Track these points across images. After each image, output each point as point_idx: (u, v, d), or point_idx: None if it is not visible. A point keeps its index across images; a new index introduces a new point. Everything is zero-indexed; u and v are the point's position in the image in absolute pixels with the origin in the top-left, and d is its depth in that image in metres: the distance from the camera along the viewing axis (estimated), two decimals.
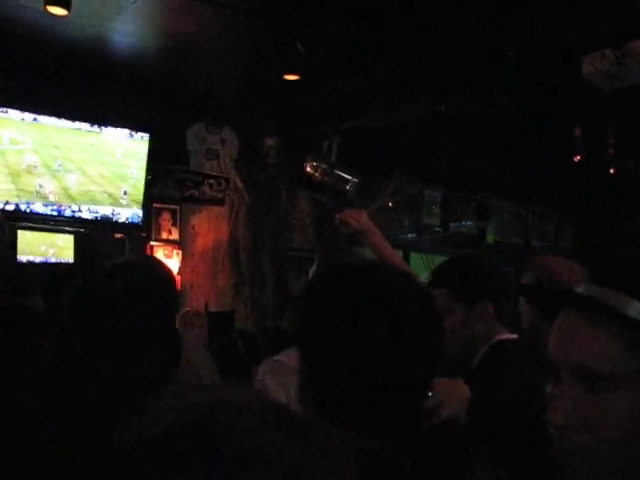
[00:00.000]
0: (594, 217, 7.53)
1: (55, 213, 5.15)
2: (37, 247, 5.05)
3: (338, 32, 4.08)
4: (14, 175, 5.00)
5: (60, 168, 5.21)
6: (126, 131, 5.43)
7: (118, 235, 5.47)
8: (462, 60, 4.44)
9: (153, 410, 0.54)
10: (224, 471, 0.49)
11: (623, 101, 4.71)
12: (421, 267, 8.35)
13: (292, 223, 6.53)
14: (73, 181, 5.28)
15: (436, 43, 4.20)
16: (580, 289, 0.97)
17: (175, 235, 5.88)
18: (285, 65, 4.59)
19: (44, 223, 5.11)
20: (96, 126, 5.32)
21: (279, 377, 2.12)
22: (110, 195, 5.44)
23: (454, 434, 1.41)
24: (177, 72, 5.07)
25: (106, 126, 5.34)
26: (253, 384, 2.29)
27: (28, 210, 5.01)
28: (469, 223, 8.10)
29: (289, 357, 2.06)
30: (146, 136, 5.50)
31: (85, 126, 5.28)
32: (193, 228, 6.04)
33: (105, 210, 5.40)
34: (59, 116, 5.12)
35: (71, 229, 5.24)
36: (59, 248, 5.18)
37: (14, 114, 4.95)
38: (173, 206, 5.90)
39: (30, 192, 5.06)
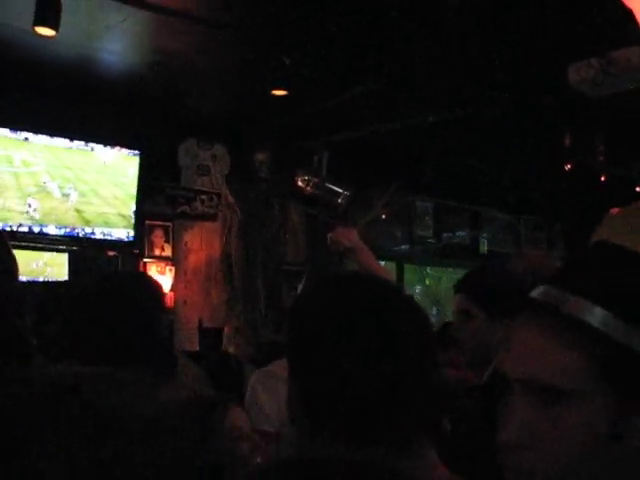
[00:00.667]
0: (586, 225, 7.54)
1: (62, 233, 5.19)
2: (28, 266, 5.03)
3: (325, 46, 4.11)
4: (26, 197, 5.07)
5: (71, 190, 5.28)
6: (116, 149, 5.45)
7: (111, 253, 5.46)
8: (449, 72, 4.47)
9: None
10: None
11: (611, 108, 4.74)
12: (415, 279, 8.37)
13: (285, 237, 6.53)
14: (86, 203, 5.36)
15: (426, 54, 4.22)
16: (536, 292, 0.86)
17: (168, 252, 5.88)
18: (273, 80, 4.61)
19: (38, 242, 5.10)
20: (87, 144, 5.34)
21: (270, 386, 2.13)
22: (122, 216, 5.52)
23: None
24: (166, 89, 5.09)
25: (96, 144, 5.35)
26: (244, 394, 2.29)
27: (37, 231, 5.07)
28: (462, 233, 8.11)
29: (278, 367, 2.07)
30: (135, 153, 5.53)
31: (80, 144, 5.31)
32: (186, 244, 6.03)
33: (120, 233, 5.49)
34: (50, 135, 5.13)
35: (64, 247, 5.24)
36: (52, 266, 5.18)
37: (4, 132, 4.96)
38: (165, 223, 5.90)
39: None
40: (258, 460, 1.44)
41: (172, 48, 4.36)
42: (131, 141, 5.48)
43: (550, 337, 0.80)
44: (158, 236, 5.83)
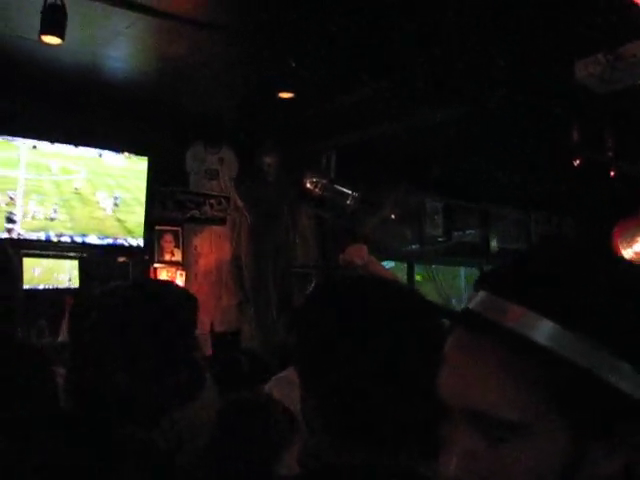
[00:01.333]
0: (596, 220, 7.50)
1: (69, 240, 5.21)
2: (31, 274, 5.03)
3: (330, 48, 4.10)
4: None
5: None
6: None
7: (121, 259, 5.47)
8: (458, 68, 4.45)
9: None
10: None
11: (620, 103, 4.71)
12: (426, 278, 8.34)
13: (294, 240, 6.53)
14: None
15: (432, 52, 4.21)
16: (473, 302, 0.70)
17: (178, 256, 5.88)
18: (280, 83, 4.61)
19: (48, 250, 5.11)
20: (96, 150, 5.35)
21: (285, 392, 2.14)
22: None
23: None
24: (173, 94, 5.10)
25: (104, 150, 5.36)
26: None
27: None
28: (472, 232, 8.08)
29: (294, 374, 2.07)
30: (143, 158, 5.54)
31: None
32: (195, 249, 6.04)
33: (130, 239, 5.52)
34: (56, 142, 5.13)
35: (74, 254, 5.25)
36: (58, 272, 5.19)
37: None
38: (175, 227, 5.91)
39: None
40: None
41: (178, 53, 4.37)
42: (138, 147, 5.48)
43: (489, 358, 0.65)
44: (168, 241, 5.84)
